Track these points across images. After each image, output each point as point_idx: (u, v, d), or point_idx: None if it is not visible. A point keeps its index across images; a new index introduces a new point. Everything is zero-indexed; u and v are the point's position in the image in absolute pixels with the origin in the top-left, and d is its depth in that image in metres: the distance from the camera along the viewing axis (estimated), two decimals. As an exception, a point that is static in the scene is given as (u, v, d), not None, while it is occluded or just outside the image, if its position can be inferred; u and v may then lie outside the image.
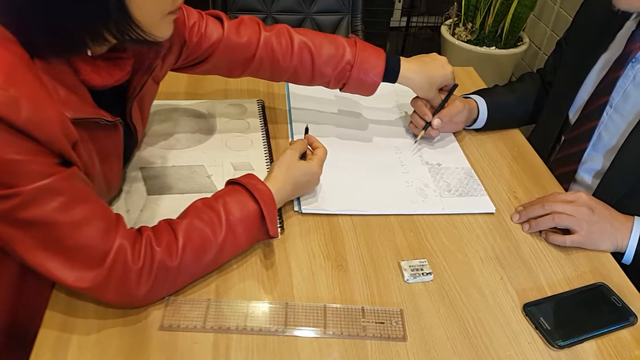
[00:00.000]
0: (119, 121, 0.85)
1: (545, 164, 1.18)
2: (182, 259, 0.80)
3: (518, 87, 1.33)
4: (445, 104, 1.17)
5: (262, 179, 0.91)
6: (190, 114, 1.23)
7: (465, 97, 1.24)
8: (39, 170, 0.68)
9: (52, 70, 0.71)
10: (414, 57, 1.15)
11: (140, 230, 0.81)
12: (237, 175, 1.02)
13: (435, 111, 1.17)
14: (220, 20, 1.07)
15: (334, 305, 0.84)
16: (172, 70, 1.07)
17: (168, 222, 0.83)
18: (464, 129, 1.26)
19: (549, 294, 0.88)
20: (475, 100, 1.23)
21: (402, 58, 1.12)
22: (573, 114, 1.19)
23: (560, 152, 1.19)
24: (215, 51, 1.06)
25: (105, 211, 0.77)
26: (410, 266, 0.90)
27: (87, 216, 0.73)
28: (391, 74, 1.10)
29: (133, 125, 0.95)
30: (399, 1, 3.33)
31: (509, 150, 1.22)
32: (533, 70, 1.40)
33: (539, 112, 1.30)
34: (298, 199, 1.02)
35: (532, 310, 0.84)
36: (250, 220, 0.86)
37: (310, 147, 1.02)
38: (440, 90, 1.18)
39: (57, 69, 0.72)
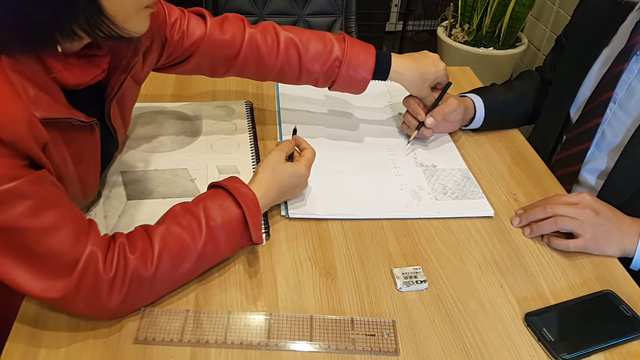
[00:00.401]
0: (95, 122, 0.80)
1: (546, 164, 1.15)
2: (157, 267, 0.75)
3: (516, 85, 1.29)
4: (439, 102, 1.13)
5: (247, 182, 0.87)
6: (176, 116, 1.19)
7: (462, 95, 1.20)
8: (4, 173, 0.64)
9: (20, 67, 0.67)
10: (405, 54, 1.11)
11: (113, 237, 0.76)
12: (222, 178, 1.00)
13: (429, 110, 1.12)
14: (203, 17, 1.02)
15: (322, 316, 0.79)
16: (154, 70, 1.03)
17: (144, 228, 0.79)
18: (460, 129, 1.22)
19: (552, 303, 0.83)
20: (471, 99, 1.19)
21: (392, 54, 1.08)
22: (575, 112, 1.14)
23: (561, 152, 1.15)
24: (198, 49, 1.01)
25: (76, 216, 0.72)
26: (403, 273, 0.86)
27: (56, 222, 0.68)
28: (382, 70, 1.07)
29: (112, 127, 0.90)
30: (396, 5, 3.29)
31: (508, 151, 1.18)
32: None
33: (538, 112, 1.26)
34: (285, 202, 0.98)
35: (534, 320, 0.80)
36: (232, 226, 0.81)
37: (297, 149, 0.98)
38: (434, 88, 1.14)
39: (26, 66, 0.68)
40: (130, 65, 0.85)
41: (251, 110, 1.23)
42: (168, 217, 0.80)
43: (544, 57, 1.36)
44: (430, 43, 3.26)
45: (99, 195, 0.96)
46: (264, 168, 0.90)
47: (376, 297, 0.83)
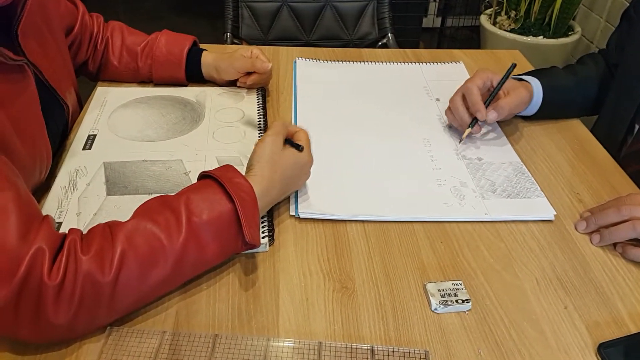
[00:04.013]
0: (25, 62, 0.70)
1: (615, 159, 1.00)
2: (120, 271, 0.61)
3: (578, 69, 1.14)
4: (503, 91, 0.98)
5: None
6: (175, 101, 1.05)
7: (517, 79, 1.05)
8: None
9: None
10: None
11: (68, 234, 0.62)
12: None
13: (488, 99, 0.96)
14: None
15: (333, 343, 0.64)
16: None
17: (108, 225, 0.64)
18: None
19: (633, 331, 0.69)
20: (529, 82, 1.04)
21: None
22: (649, 97, 0.99)
23: (633, 144, 1.02)
24: None
25: (26, 206, 0.61)
26: (439, 290, 0.71)
27: None
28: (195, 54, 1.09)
29: (39, 71, 0.80)
30: (434, 1, 3.14)
31: (569, 143, 1.02)
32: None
33: (602, 101, 1.11)
34: (296, 199, 0.83)
35: (610, 353, 0.66)
36: (221, 224, 0.67)
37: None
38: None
39: None
40: None
41: (264, 96, 1.08)
42: (139, 212, 0.66)
43: (598, 49, 1.20)
44: (472, 40, 3.09)
45: (75, 188, 0.82)
46: (260, 158, 0.75)
47: (404, 321, 0.68)
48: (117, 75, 1.10)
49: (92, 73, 1.10)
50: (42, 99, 0.79)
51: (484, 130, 1.02)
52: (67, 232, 0.62)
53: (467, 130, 0.96)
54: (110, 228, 0.63)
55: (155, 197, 0.68)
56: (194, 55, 1.08)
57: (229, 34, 1.68)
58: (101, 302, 0.61)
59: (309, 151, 0.80)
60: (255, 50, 1.08)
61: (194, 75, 1.09)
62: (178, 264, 0.64)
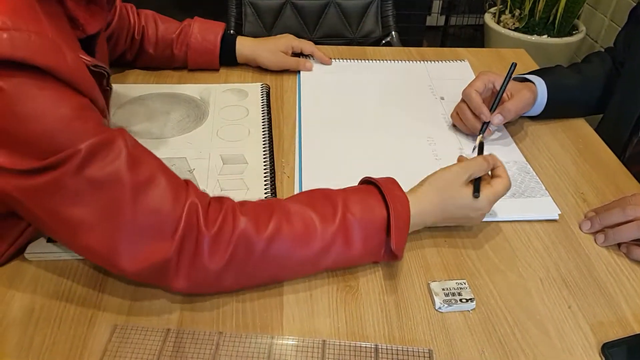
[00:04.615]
0: (107, 71, 0.74)
1: (619, 159, 0.99)
2: (273, 239, 0.65)
3: (584, 68, 1.13)
4: (506, 93, 0.97)
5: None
6: (179, 99, 1.05)
7: (520, 78, 1.03)
8: (93, 126, 0.58)
9: (49, 9, 0.61)
10: None
11: (220, 198, 0.68)
12: (225, 169, 0.87)
13: (493, 103, 0.95)
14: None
15: (337, 341, 0.64)
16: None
17: (270, 200, 0.72)
18: (514, 116, 1.04)
19: (637, 331, 0.68)
20: (533, 82, 1.02)
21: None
22: (655, 96, 0.98)
23: (638, 144, 1.01)
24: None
25: (170, 171, 0.65)
26: (443, 289, 0.70)
27: (152, 176, 0.61)
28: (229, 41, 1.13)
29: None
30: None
31: (574, 143, 1.01)
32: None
33: (608, 99, 1.10)
34: (300, 188, 0.84)
35: (614, 352, 0.65)
36: (371, 227, 0.69)
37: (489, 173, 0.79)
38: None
39: (53, 10, 0.62)
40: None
41: (268, 94, 1.08)
42: (302, 198, 0.71)
43: (602, 49, 1.19)
44: (476, 39, 3.07)
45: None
46: (432, 183, 0.74)
47: (408, 319, 0.68)
48: (153, 63, 1.13)
49: (129, 61, 1.12)
50: None
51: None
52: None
53: (479, 138, 0.94)
54: (272, 202, 0.68)
55: (319, 189, 0.72)
56: (228, 41, 1.13)
57: (232, 31, 1.68)
58: (250, 260, 0.64)
59: (491, 200, 0.75)
60: (308, 46, 1.17)
61: (228, 61, 1.15)
62: (323, 250, 0.67)
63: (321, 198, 0.70)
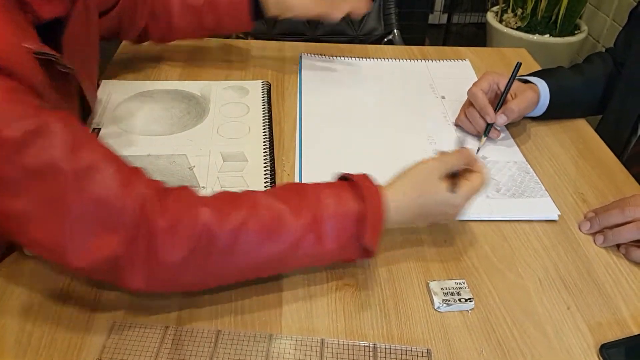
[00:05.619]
0: (73, 72, 0.70)
1: (619, 159, 0.99)
2: (238, 232, 0.61)
3: (585, 68, 1.12)
4: (510, 93, 0.96)
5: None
6: (179, 95, 1.05)
7: (522, 80, 1.03)
8: (22, 111, 0.55)
9: None
10: None
11: (177, 188, 0.64)
12: (225, 166, 0.87)
13: (498, 103, 0.95)
14: None
15: (336, 340, 0.64)
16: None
17: (237, 192, 0.66)
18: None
19: (635, 332, 0.68)
20: (535, 84, 1.02)
21: None
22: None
23: (637, 145, 1.01)
24: None
25: (119, 159, 0.61)
26: (442, 289, 0.70)
27: (95, 162, 0.58)
28: None
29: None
30: (441, -3, 3.13)
31: (574, 143, 1.01)
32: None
33: (609, 99, 1.10)
34: None
35: (612, 353, 0.65)
36: (344, 222, 0.65)
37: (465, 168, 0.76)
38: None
39: None
40: None
41: (268, 91, 1.08)
42: (273, 190, 0.68)
43: (604, 49, 1.19)
44: (478, 37, 3.07)
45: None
46: (409, 176, 0.71)
47: (407, 319, 0.68)
48: (182, 35, 1.09)
49: (157, 38, 1.08)
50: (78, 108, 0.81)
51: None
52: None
53: (483, 139, 0.95)
54: (239, 193, 0.64)
55: (292, 182, 0.70)
56: None
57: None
58: (213, 254, 0.60)
59: (468, 196, 0.71)
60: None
61: (257, 17, 1.06)
62: (295, 245, 0.63)
63: (293, 191, 0.67)
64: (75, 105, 0.76)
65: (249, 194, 0.65)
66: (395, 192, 0.69)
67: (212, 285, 0.66)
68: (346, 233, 0.65)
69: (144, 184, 0.60)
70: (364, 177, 0.69)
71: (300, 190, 0.66)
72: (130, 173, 0.60)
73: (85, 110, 0.88)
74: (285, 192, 0.67)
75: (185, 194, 0.62)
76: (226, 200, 0.63)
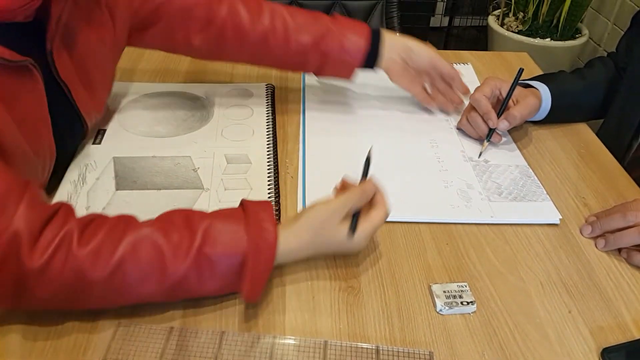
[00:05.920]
0: (30, 63, 0.66)
1: (620, 164, 0.99)
2: (113, 274, 0.60)
3: (587, 73, 1.12)
4: (512, 99, 0.97)
5: (282, 221, 0.70)
6: (184, 97, 1.05)
7: (523, 84, 1.03)
8: None
9: None
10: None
11: (66, 217, 0.60)
12: (229, 168, 0.87)
13: (500, 108, 0.95)
14: None
15: (339, 342, 0.64)
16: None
17: (123, 220, 0.63)
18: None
19: (637, 336, 0.68)
20: (537, 88, 1.02)
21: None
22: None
23: (639, 150, 1.01)
24: (168, 5, 0.90)
25: (5, 175, 0.58)
26: (444, 292, 0.70)
27: None
28: (375, 41, 0.97)
29: (63, 83, 0.75)
30: (442, 1, 3.12)
31: (575, 147, 1.01)
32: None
33: (610, 104, 1.10)
34: (303, 195, 0.83)
35: (613, 357, 0.65)
36: (230, 263, 0.63)
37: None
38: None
39: None
40: None
41: (272, 94, 1.08)
42: (159, 220, 0.64)
43: (605, 53, 1.19)
44: (479, 40, 3.07)
45: (84, 183, 0.82)
46: (308, 220, 0.68)
47: (409, 321, 0.68)
48: (278, 65, 1.00)
49: (217, 57, 0.99)
50: (63, 114, 0.78)
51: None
52: (60, 203, 0.62)
53: (485, 144, 0.95)
54: (124, 225, 0.62)
55: (183, 210, 0.66)
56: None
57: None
58: (84, 293, 0.60)
59: (367, 237, 0.70)
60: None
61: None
62: (173, 288, 0.62)
63: (181, 223, 0.63)
64: (41, 100, 0.70)
65: (133, 227, 0.62)
66: (292, 234, 0.67)
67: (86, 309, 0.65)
68: (230, 275, 0.63)
69: (19, 220, 0.56)
70: (264, 211, 0.66)
71: (190, 223, 0.63)
72: (11, 193, 0.57)
73: (84, 127, 0.86)
74: (173, 224, 0.63)
75: (67, 228, 0.59)
76: (109, 235, 0.60)
